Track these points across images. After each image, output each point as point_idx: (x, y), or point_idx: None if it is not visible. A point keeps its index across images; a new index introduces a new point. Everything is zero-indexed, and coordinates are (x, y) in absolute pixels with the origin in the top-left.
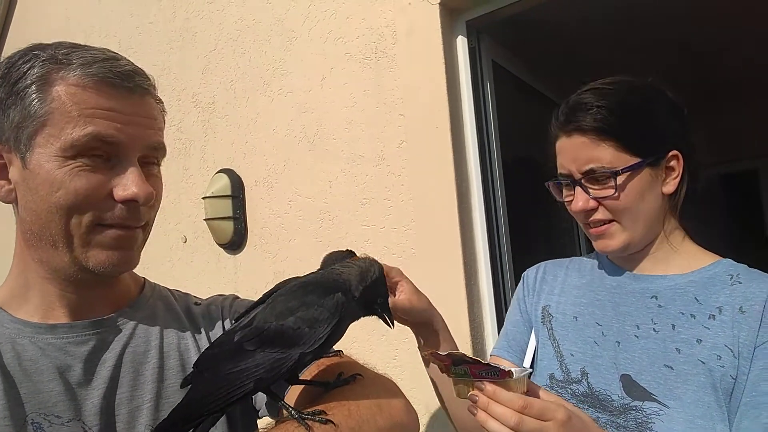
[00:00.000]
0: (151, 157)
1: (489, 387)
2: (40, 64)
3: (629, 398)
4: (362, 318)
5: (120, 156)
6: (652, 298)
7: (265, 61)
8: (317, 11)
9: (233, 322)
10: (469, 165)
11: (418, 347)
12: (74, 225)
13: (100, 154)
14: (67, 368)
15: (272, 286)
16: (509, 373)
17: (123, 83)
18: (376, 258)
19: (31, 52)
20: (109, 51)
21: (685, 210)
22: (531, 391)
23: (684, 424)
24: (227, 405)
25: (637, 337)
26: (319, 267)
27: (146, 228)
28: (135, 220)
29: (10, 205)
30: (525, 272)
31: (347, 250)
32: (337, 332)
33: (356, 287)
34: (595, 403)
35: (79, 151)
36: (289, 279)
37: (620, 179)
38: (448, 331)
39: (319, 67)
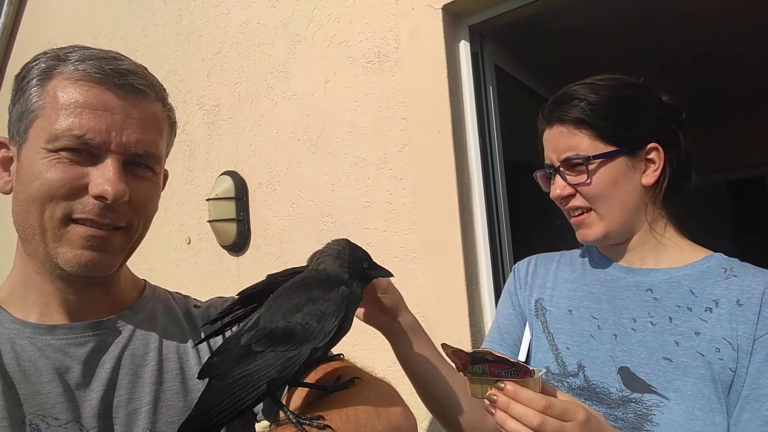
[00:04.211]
0: (138, 158)
1: (510, 386)
2: (45, 60)
3: (628, 391)
4: (363, 323)
5: (101, 153)
6: (647, 291)
7: (269, 64)
8: (321, 15)
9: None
10: (471, 169)
11: (442, 346)
12: (47, 217)
13: (81, 149)
14: (65, 369)
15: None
16: (530, 372)
17: (111, 80)
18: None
19: (44, 51)
20: (115, 52)
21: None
22: (544, 391)
23: (684, 416)
24: (241, 411)
25: (635, 330)
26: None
27: (129, 231)
28: (108, 219)
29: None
30: (515, 265)
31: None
32: (345, 324)
33: (343, 271)
34: (591, 396)
35: (60, 144)
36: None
37: (592, 166)
38: (425, 334)
39: (323, 71)
